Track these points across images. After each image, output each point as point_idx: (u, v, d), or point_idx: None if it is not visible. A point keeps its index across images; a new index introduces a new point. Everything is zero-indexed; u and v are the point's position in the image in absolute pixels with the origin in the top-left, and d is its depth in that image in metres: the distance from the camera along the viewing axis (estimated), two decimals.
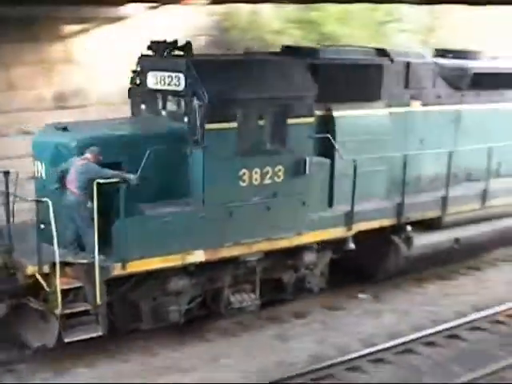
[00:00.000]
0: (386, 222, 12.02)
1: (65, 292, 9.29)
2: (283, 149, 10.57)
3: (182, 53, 10.68)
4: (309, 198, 10.93)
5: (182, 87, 10.20)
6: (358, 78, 11.58)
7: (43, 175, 9.91)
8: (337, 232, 11.47)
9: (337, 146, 11.19)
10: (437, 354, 10.60)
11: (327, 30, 19.40)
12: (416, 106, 12.48)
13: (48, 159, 9.82)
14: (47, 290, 9.30)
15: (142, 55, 10.91)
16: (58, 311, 9.24)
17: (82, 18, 15.28)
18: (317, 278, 11.82)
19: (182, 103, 10.41)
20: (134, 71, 11.02)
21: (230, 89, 9.97)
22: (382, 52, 12.25)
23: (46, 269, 9.30)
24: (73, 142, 9.66)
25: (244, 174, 10.25)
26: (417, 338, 10.85)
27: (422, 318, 11.75)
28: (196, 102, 9.81)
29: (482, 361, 10.27)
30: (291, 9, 19.07)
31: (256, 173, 10.38)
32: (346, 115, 11.45)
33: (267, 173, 10.47)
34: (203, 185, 9.97)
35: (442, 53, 13.45)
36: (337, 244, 11.75)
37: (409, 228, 12.36)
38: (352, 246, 11.76)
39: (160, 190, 9.97)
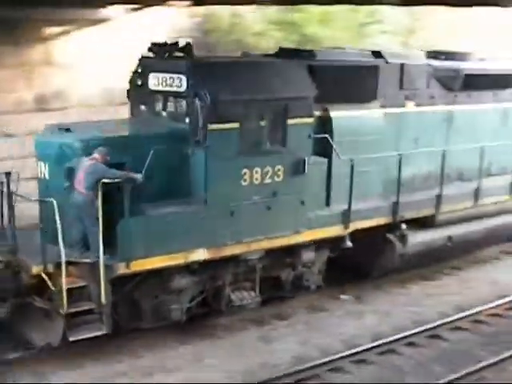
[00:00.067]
0: (382, 221, 12.33)
1: (69, 291, 9.30)
2: (283, 149, 10.85)
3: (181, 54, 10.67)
4: (307, 197, 11.08)
5: (183, 88, 10.41)
6: (355, 79, 11.87)
7: (46, 175, 9.97)
8: (334, 230, 11.78)
9: (334, 146, 11.33)
10: (419, 354, 10.75)
11: (309, 32, 19.54)
12: (410, 106, 12.80)
13: (52, 159, 9.94)
14: (52, 289, 9.33)
15: (142, 57, 11.00)
16: (63, 310, 9.26)
17: (62, 20, 15.31)
18: (314, 276, 11.99)
19: (184, 104, 10.61)
20: (134, 72, 11.09)
21: (232, 90, 10.23)
22: (377, 54, 12.45)
23: (51, 268, 9.30)
24: (77, 143, 9.82)
25: (245, 173, 10.48)
26: (399, 339, 11.00)
27: (405, 318, 11.89)
28: (198, 103, 9.95)
29: (464, 361, 10.41)
30: (273, 10, 19.28)
31: (257, 172, 10.62)
32: (343, 116, 11.75)
33: (267, 172, 10.71)
34: (205, 184, 10.19)
35: (434, 54, 13.71)
36: (334, 242, 11.94)
37: (404, 226, 12.57)
38: (349, 244, 12.05)
39: (162, 189, 10.20)
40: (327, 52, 12.28)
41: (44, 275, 9.43)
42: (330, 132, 11.58)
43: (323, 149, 11.59)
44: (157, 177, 10.03)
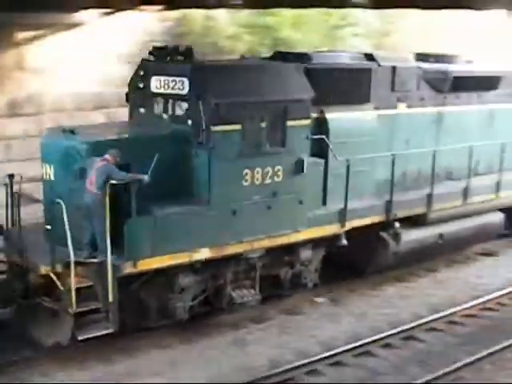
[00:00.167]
0: (377, 219, 12.79)
1: (78, 291, 9.49)
2: (282, 149, 11.22)
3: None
4: (306, 196, 11.40)
5: (185, 91, 10.72)
6: (349, 81, 12.36)
7: (52, 177, 10.14)
8: (331, 229, 12.24)
9: (331, 147, 11.63)
10: (395, 355, 10.92)
11: (282, 35, 19.99)
12: (402, 108, 13.17)
13: (58, 161, 10.11)
14: (61, 289, 9.49)
15: (143, 60, 11.20)
16: (72, 309, 9.44)
17: (36, 24, 15.56)
18: (311, 274, 12.28)
19: (186, 106, 10.81)
20: (134, 75, 11.29)
21: (235, 92, 10.55)
22: (369, 56, 12.81)
23: (59, 268, 9.46)
24: (83, 145, 10.06)
25: (247, 174, 10.83)
26: (375, 341, 11.16)
27: (380, 320, 12.07)
28: (201, 105, 10.16)
29: (440, 361, 10.59)
30: (245, 14, 19.69)
31: (257, 173, 11.00)
32: (338, 117, 12.15)
33: (268, 173, 11.09)
34: (209, 185, 10.48)
35: (423, 57, 14.14)
36: (330, 241, 12.23)
37: (397, 225, 12.92)
38: (344, 242, 12.48)
39: (164, 189, 10.42)
40: (322, 55, 12.72)
41: (52, 275, 9.58)
42: (327, 133, 11.98)
43: (320, 150, 11.96)
44: (160, 177, 10.21)
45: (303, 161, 11.41)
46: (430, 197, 13.50)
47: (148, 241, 9.96)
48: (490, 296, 13.07)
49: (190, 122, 10.72)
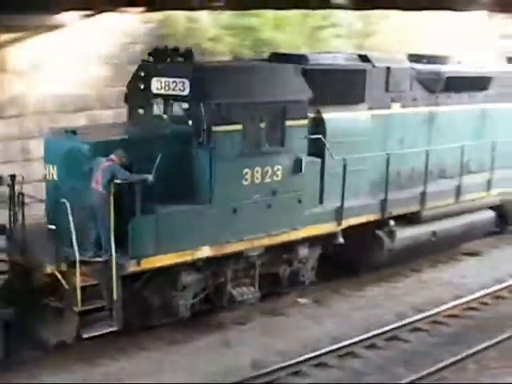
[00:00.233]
0: (372, 217, 13.09)
1: (82, 289, 9.62)
2: (281, 149, 11.41)
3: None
4: (304, 195, 11.61)
5: (186, 92, 10.93)
6: (345, 82, 12.69)
7: (55, 177, 10.27)
8: (328, 227, 12.55)
9: (328, 146, 11.84)
10: (379, 356, 11.03)
11: (264, 36, 20.25)
12: (396, 108, 13.43)
13: (61, 162, 10.25)
14: (66, 287, 9.61)
15: (143, 61, 11.35)
16: (77, 308, 9.56)
17: (17, 26, 15.60)
18: (308, 272, 12.47)
19: (186, 107, 10.95)
20: (134, 77, 11.42)
21: (235, 93, 10.73)
22: (363, 57, 13.05)
23: (64, 267, 9.58)
24: (86, 145, 10.21)
25: (247, 173, 11.03)
26: (359, 341, 11.22)
27: (364, 320, 12.14)
28: (202, 106, 10.32)
29: (424, 361, 10.67)
30: (226, 16, 19.93)
31: (257, 172, 11.27)
32: (334, 117, 12.39)
33: (267, 172, 11.30)
34: (210, 184, 10.65)
35: (416, 58, 14.42)
36: (326, 239, 12.45)
37: (392, 222, 13.17)
38: (341, 240, 12.71)
39: (166, 189, 10.57)
40: (318, 56, 12.97)
41: (58, 274, 9.72)
42: (323, 133, 12.23)
43: (316, 149, 12.21)
44: (161, 177, 10.36)
45: (301, 160, 11.71)
46: (423, 195, 13.89)
47: (151, 239, 10.15)
48: (473, 296, 13.19)
49: (190, 122, 10.94)
